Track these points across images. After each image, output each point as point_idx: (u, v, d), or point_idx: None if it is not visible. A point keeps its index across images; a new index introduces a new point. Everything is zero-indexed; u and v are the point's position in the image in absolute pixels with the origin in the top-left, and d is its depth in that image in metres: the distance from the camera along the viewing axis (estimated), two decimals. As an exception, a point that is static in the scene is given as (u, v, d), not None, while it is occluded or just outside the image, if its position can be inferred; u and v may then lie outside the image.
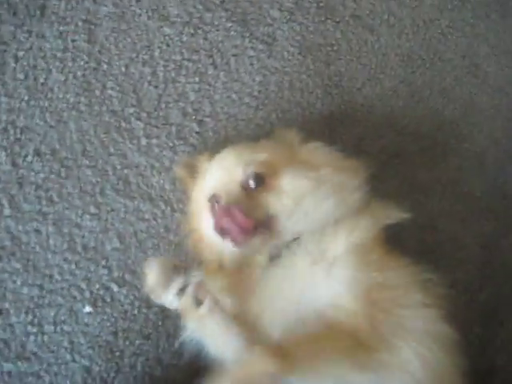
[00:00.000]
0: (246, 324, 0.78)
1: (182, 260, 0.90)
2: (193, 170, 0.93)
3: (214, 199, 0.81)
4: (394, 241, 0.93)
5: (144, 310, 0.94)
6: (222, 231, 0.75)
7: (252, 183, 0.80)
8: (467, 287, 1.13)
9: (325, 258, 0.78)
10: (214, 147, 0.98)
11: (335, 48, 1.15)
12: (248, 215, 0.75)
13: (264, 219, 0.79)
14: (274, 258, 0.81)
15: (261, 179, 0.81)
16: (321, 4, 1.17)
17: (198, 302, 0.76)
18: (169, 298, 0.76)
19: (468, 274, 1.14)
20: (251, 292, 0.80)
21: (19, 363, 0.88)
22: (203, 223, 0.85)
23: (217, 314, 0.78)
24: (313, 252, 0.79)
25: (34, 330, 0.91)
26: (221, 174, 0.83)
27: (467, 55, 1.25)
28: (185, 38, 1.06)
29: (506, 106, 1.24)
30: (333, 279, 0.76)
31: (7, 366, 0.87)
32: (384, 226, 0.85)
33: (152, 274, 0.77)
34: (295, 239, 0.80)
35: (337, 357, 0.70)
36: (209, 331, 0.79)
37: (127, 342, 0.94)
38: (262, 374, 0.63)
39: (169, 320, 0.95)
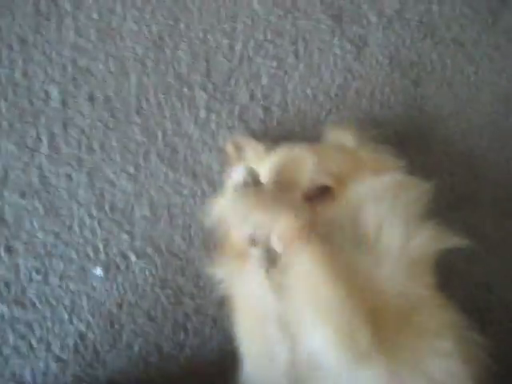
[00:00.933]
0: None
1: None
2: (241, 152, 0.91)
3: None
4: (443, 289, 0.88)
5: (157, 290, 0.93)
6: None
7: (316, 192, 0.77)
8: (509, 356, 1.05)
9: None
10: (274, 139, 0.94)
11: (428, 69, 1.12)
12: None
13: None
14: None
15: (327, 190, 0.78)
16: (423, 20, 1.14)
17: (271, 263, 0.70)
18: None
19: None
20: None
21: (14, 308, 0.87)
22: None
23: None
24: None
25: (39, 277, 0.90)
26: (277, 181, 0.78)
27: None
28: (272, 19, 1.05)
29: None
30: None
31: (1, 308, 0.85)
32: (438, 250, 0.80)
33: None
34: None
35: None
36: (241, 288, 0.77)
37: (130, 318, 0.92)
38: None
39: (180, 307, 0.93)
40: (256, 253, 0.70)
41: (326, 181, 0.79)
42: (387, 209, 0.78)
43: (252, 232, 0.70)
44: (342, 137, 0.89)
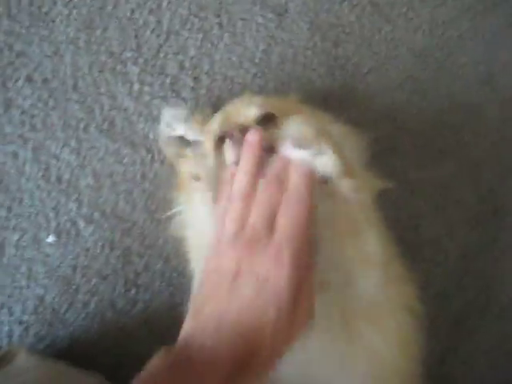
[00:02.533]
0: None
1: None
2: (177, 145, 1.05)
3: (226, 135, 0.90)
4: None
5: (106, 251, 1.09)
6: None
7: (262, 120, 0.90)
8: (440, 293, 1.27)
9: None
10: (204, 105, 1.12)
11: (347, 30, 1.31)
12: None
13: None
14: None
15: (272, 117, 0.91)
16: (340, -16, 1.31)
17: (196, 176, 0.90)
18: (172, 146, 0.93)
19: (443, 279, 1.28)
20: None
21: (-25, 279, 1.01)
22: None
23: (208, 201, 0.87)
24: None
25: (-4, 249, 1.03)
26: (232, 113, 0.94)
27: (482, 62, 1.40)
28: (195, -6, 1.21)
29: (513, 121, 1.35)
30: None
31: (-38, 280, 1.00)
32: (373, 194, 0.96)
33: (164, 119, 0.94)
34: None
35: None
36: (197, 213, 0.91)
37: (84, 279, 1.08)
38: None
39: (130, 266, 1.10)
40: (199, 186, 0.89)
41: (270, 110, 0.92)
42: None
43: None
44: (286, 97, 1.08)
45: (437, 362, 1.22)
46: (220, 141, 0.93)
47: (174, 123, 0.92)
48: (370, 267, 0.87)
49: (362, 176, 0.98)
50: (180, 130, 0.90)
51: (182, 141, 0.90)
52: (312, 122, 0.90)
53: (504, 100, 1.41)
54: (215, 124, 0.97)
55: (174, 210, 0.99)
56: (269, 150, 0.88)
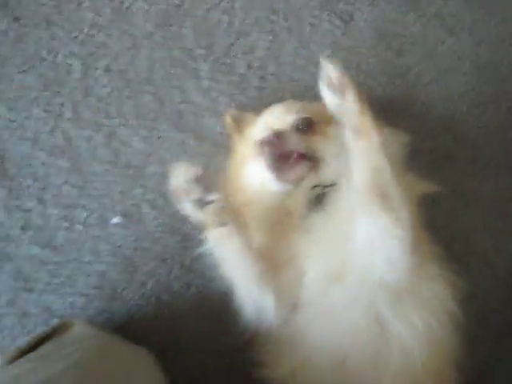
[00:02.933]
0: (269, 260, 0.91)
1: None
2: (239, 123, 1.12)
3: (264, 140, 0.96)
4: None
5: (166, 236, 1.14)
6: (275, 161, 0.92)
7: (302, 126, 0.97)
8: (484, 306, 1.25)
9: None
10: (269, 105, 1.17)
11: (410, 40, 1.34)
12: (295, 139, 0.92)
13: (311, 157, 0.92)
14: (314, 202, 0.93)
15: (310, 123, 0.97)
16: (408, -5, 1.34)
17: (221, 223, 0.90)
18: (187, 206, 0.84)
19: (489, 293, 1.26)
20: (287, 236, 0.91)
21: (46, 250, 1.09)
22: (248, 171, 1.01)
23: (237, 239, 0.87)
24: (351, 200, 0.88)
25: (66, 224, 1.13)
26: (272, 119, 1.01)
27: (547, 81, 1.37)
28: (267, -3, 1.26)
29: None
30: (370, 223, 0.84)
31: (35, 249, 1.09)
32: (417, 196, 0.96)
33: (175, 176, 0.83)
34: (335, 185, 0.93)
35: None
36: (226, 251, 0.89)
37: (144, 261, 1.13)
38: None
39: (187, 251, 1.14)
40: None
41: (308, 114, 0.98)
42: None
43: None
44: None
45: (475, 378, 1.21)
46: (259, 146, 0.98)
47: (188, 187, 0.83)
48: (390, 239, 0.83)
49: (406, 178, 0.97)
50: (195, 193, 0.83)
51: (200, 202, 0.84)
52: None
53: None
54: (254, 130, 1.03)
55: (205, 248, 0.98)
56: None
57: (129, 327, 1.09)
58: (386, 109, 1.20)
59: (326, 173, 0.94)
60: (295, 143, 0.92)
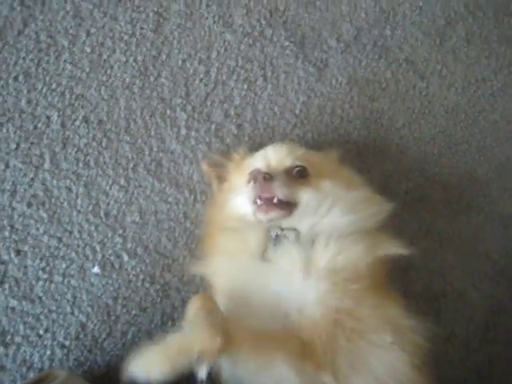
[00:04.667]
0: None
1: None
2: (217, 167, 1.13)
3: (256, 172, 0.99)
4: (401, 281, 1.08)
5: (147, 285, 1.12)
6: (255, 199, 0.95)
7: (296, 172, 1.00)
8: (464, 344, 1.26)
9: (309, 264, 0.92)
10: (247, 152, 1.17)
11: (383, 86, 1.35)
12: (282, 186, 0.95)
13: (291, 202, 0.96)
14: (272, 242, 0.96)
15: (305, 173, 1.00)
16: (378, 43, 1.37)
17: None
18: None
19: (468, 331, 1.27)
20: (240, 278, 0.96)
21: (24, 302, 1.06)
22: (236, 198, 1.02)
23: None
24: (302, 255, 0.93)
25: (45, 276, 1.10)
26: (273, 155, 1.03)
27: (513, 121, 1.40)
28: (242, 47, 1.28)
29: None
30: (308, 286, 0.88)
31: (12, 303, 1.06)
32: (380, 256, 0.97)
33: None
34: (296, 233, 0.96)
35: (283, 356, 0.79)
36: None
37: (124, 310, 1.11)
38: (196, 350, 0.71)
39: (168, 300, 1.13)
40: None
41: (306, 164, 1.01)
42: (348, 213, 0.99)
43: None
44: (329, 152, 1.15)
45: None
46: (249, 176, 1.01)
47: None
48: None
49: (377, 238, 0.99)
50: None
51: None
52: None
53: (533, 159, 1.39)
54: (251, 160, 1.06)
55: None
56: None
57: (111, 379, 1.06)
58: (361, 152, 1.22)
59: (298, 220, 0.96)
60: (280, 190, 0.94)
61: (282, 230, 0.96)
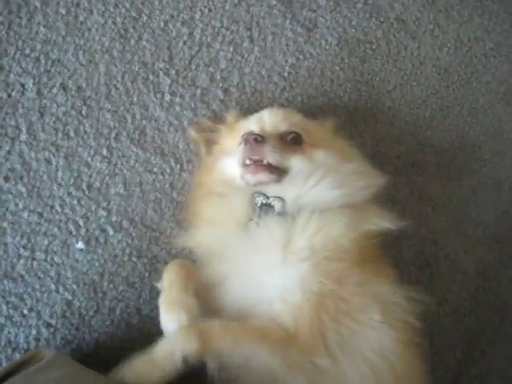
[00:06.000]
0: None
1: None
2: (207, 131, 1.08)
3: (249, 134, 0.94)
4: (393, 248, 1.05)
5: (134, 259, 1.06)
6: (245, 160, 0.92)
7: (290, 139, 0.96)
8: (455, 309, 1.23)
9: (289, 244, 0.87)
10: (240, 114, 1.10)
11: (374, 47, 1.27)
12: (274, 150, 0.91)
13: (281, 168, 0.92)
14: (257, 210, 0.91)
15: (299, 141, 0.96)
16: (369, 1, 1.30)
17: None
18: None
19: (459, 296, 1.24)
20: (222, 252, 0.92)
21: (5, 281, 0.99)
22: (227, 161, 0.99)
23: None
24: (282, 233, 0.88)
25: (26, 253, 1.02)
26: (268, 119, 0.99)
27: (505, 82, 1.35)
28: (228, 7, 1.19)
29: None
30: (287, 270, 0.84)
31: (-7, 282, 0.97)
32: (365, 231, 0.92)
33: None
34: (282, 206, 0.91)
35: (264, 347, 0.80)
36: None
37: (111, 286, 1.05)
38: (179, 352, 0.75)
39: (156, 274, 1.05)
40: None
41: (301, 132, 0.97)
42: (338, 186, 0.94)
43: None
44: (324, 122, 1.09)
45: (453, 378, 1.18)
46: (241, 138, 0.97)
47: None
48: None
49: (363, 212, 0.95)
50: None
51: None
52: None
53: (525, 120, 1.34)
54: (245, 122, 1.02)
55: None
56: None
57: (100, 356, 1.01)
58: (352, 116, 1.18)
59: (286, 188, 0.92)
60: (271, 154, 0.91)
61: (268, 198, 0.91)
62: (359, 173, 0.96)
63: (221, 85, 1.16)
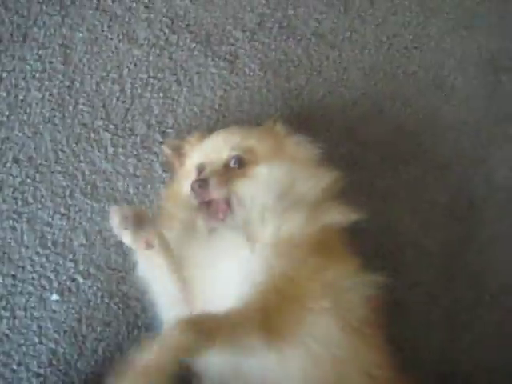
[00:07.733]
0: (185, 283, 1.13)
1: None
2: (177, 150, 1.34)
3: (201, 167, 1.17)
4: (352, 242, 1.25)
5: (106, 300, 1.33)
6: (196, 194, 1.10)
7: (233, 164, 1.16)
8: (428, 291, 1.46)
9: (254, 238, 1.05)
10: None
11: (296, 64, 1.59)
12: (217, 188, 1.09)
13: (227, 196, 1.10)
14: (211, 230, 1.10)
15: (242, 163, 1.16)
16: (283, 24, 1.62)
17: (149, 245, 1.07)
18: (127, 239, 1.07)
19: (430, 278, 1.48)
20: (193, 256, 1.11)
21: (-8, 343, 1.27)
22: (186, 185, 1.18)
23: (163, 255, 1.11)
24: (247, 231, 1.06)
25: (7, 314, 1.30)
26: (210, 150, 1.22)
27: (432, 68, 1.65)
28: (151, 58, 1.53)
29: (472, 118, 1.63)
30: (254, 257, 1.01)
31: (-19, 345, 1.26)
32: (325, 224, 1.13)
33: (114, 218, 1.05)
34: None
35: (245, 326, 0.91)
36: (154, 271, 1.15)
37: (90, 329, 1.31)
38: (178, 349, 0.84)
39: (129, 310, 1.33)
40: None
41: (242, 153, 1.18)
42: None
43: None
44: (272, 127, 1.32)
45: (441, 360, 1.39)
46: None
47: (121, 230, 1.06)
48: None
49: (321, 207, 1.17)
50: (126, 239, 1.07)
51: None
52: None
53: (459, 100, 1.65)
54: (195, 153, 1.27)
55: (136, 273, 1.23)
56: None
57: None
58: (287, 131, 1.41)
59: (238, 213, 1.10)
60: (216, 191, 1.10)
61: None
62: (308, 175, 1.18)
63: (158, 128, 1.47)
